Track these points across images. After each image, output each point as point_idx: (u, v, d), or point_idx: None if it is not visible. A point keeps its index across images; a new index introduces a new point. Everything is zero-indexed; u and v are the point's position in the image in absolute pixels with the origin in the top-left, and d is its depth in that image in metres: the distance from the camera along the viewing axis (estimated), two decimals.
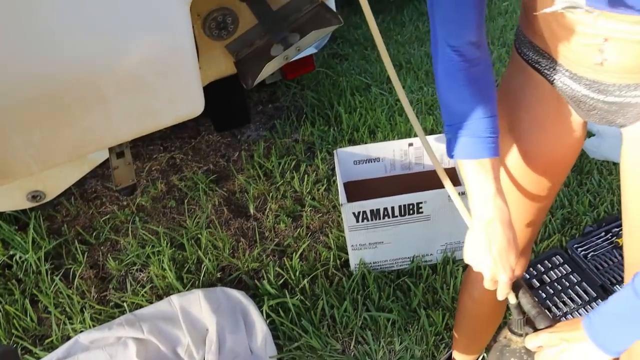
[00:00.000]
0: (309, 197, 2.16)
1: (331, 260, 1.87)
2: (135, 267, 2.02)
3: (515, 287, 0.94)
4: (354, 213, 1.65)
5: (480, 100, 0.85)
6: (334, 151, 1.87)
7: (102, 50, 1.21)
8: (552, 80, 0.90)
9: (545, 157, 0.95)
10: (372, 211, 1.65)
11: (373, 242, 1.73)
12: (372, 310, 1.72)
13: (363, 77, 2.87)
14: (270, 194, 2.20)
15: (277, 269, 1.87)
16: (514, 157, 0.98)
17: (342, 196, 1.71)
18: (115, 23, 1.20)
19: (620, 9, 0.67)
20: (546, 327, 0.90)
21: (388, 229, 1.70)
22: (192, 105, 1.37)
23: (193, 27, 1.68)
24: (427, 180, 1.86)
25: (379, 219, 1.67)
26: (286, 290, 1.78)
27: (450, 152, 0.88)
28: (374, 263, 1.80)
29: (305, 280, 1.80)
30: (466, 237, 0.91)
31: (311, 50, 2.39)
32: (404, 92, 0.87)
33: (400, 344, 1.63)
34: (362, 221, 1.67)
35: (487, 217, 0.86)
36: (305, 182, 2.21)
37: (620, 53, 0.75)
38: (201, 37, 1.74)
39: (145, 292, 1.90)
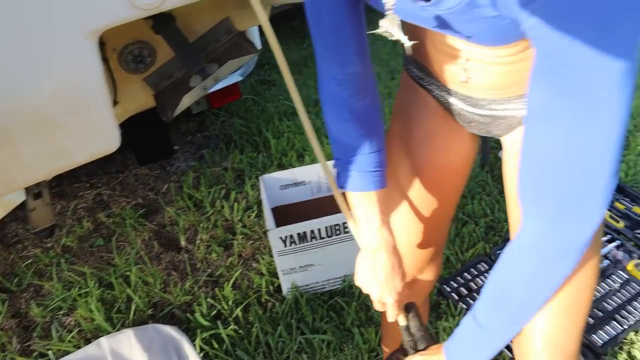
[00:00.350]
0: (240, 224, 2.15)
1: (263, 286, 1.87)
2: (61, 312, 1.94)
3: (408, 309, 0.99)
4: (281, 238, 1.66)
5: (366, 135, 0.88)
6: (260, 178, 1.89)
7: (6, 92, 1.18)
8: (435, 96, 0.95)
9: (439, 168, 1.00)
10: (299, 234, 1.67)
11: (303, 265, 1.75)
12: (306, 333, 1.72)
13: (290, 102, 2.92)
14: (201, 224, 2.18)
15: (209, 300, 1.85)
16: (410, 170, 1.02)
17: (268, 222, 1.72)
18: (19, 63, 1.17)
19: (448, 30, 0.69)
20: (423, 349, 0.95)
21: (317, 250, 1.73)
22: (107, 141, 1.35)
23: (109, 61, 1.67)
24: None
25: (307, 241, 1.69)
26: (219, 321, 1.76)
27: (339, 184, 0.92)
28: (305, 286, 1.81)
29: (239, 309, 1.79)
30: (356, 262, 0.96)
31: (236, 78, 2.41)
32: (307, 117, 0.89)
33: None
34: (290, 245, 1.69)
35: (373, 245, 0.91)
36: (235, 210, 2.20)
37: (481, 72, 0.81)
38: (118, 71, 1.72)
39: (72, 337, 1.82)
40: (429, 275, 1.16)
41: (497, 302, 0.76)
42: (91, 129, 1.30)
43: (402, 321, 0.99)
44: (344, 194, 0.95)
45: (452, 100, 0.92)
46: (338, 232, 1.70)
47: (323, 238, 1.70)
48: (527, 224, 0.69)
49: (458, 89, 0.88)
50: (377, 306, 0.95)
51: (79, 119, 1.28)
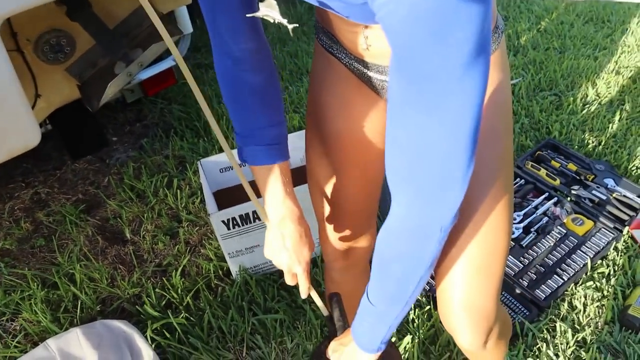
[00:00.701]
0: (185, 211, 2.12)
1: (212, 271, 1.85)
2: (4, 318, 1.87)
3: (332, 299, 1.01)
4: (223, 221, 1.64)
5: (265, 110, 0.89)
6: (198, 162, 1.85)
7: None
8: (345, 64, 0.96)
9: (358, 134, 1.00)
10: (241, 216, 1.65)
11: (249, 247, 1.74)
12: (259, 314, 1.72)
13: None
14: (145, 215, 2.13)
15: (158, 290, 1.82)
16: (331, 138, 1.02)
17: (210, 206, 1.69)
18: None
19: (329, 9, 0.71)
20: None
21: (261, 231, 1.72)
22: (26, 136, 1.29)
23: (23, 52, 1.59)
24: (294, 177, 1.89)
25: (250, 222, 1.68)
26: (169, 311, 1.74)
27: (240, 158, 0.92)
28: (254, 267, 1.80)
29: (189, 297, 1.77)
30: (265, 236, 0.97)
31: (170, 63, 2.34)
32: (207, 108, 0.87)
33: (291, 342, 1.65)
34: (234, 228, 1.67)
35: (280, 216, 0.92)
36: (179, 198, 2.16)
37: (380, 39, 0.81)
38: (35, 62, 1.64)
39: (17, 342, 1.76)
40: (364, 242, 1.17)
41: (379, 281, 0.80)
42: (6, 125, 1.23)
43: (325, 312, 1.02)
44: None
45: (359, 67, 0.92)
46: None
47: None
48: (393, 207, 0.71)
49: (363, 57, 0.89)
50: (288, 278, 0.96)
51: None
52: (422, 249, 0.71)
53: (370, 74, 0.92)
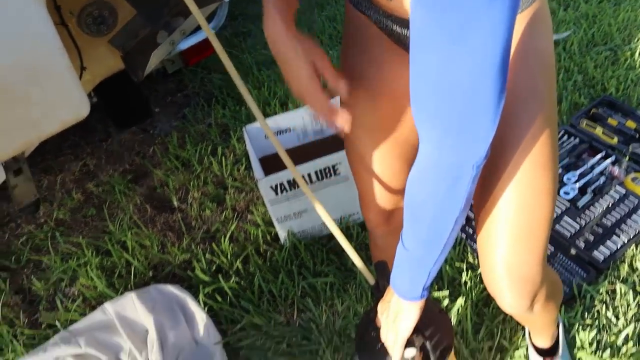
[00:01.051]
0: (230, 178, 2.13)
1: (260, 237, 1.87)
2: (63, 284, 1.94)
3: (378, 267, 1.00)
4: (271, 187, 1.64)
5: None
6: (244, 129, 1.85)
7: None
8: (375, 21, 0.91)
9: (395, 94, 0.96)
10: (289, 181, 1.65)
11: (297, 212, 1.74)
12: (308, 278, 1.73)
13: (267, 51, 2.82)
14: (191, 183, 2.16)
15: (207, 256, 1.85)
16: (364, 101, 0.98)
17: (257, 172, 1.69)
18: None
19: None
20: None
21: None
22: (76, 108, 1.30)
23: (68, 25, 1.60)
24: (341, 141, 1.87)
25: (298, 187, 1.67)
26: (220, 275, 1.76)
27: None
28: (302, 232, 1.80)
29: (238, 261, 1.79)
30: (288, 78, 0.87)
31: None
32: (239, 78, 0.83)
33: (342, 305, 1.66)
34: (282, 193, 1.67)
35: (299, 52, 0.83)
36: (224, 165, 2.17)
37: None
38: (80, 35, 1.65)
39: (77, 306, 1.83)
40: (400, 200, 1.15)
41: (412, 225, 0.78)
42: (56, 98, 1.24)
43: (371, 280, 1.00)
44: None
45: (386, 22, 0.88)
46: (329, 174, 1.67)
47: (314, 182, 1.68)
48: (422, 146, 0.69)
49: (389, 10, 0.85)
50: (322, 113, 0.86)
51: (41, 89, 1.23)
52: (455, 188, 0.69)
53: (399, 29, 0.87)
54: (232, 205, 2.03)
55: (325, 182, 1.70)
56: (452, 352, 1.05)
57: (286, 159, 0.98)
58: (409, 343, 0.93)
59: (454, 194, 0.70)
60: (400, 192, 1.10)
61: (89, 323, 1.74)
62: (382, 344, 0.99)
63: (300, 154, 1.92)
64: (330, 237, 1.84)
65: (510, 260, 0.89)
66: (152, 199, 2.18)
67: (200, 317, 1.69)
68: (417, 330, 0.92)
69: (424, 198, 0.73)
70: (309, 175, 1.66)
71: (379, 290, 0.99)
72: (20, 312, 1.86)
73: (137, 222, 2.06)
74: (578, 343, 1.47)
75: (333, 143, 1.94)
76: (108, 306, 1.75)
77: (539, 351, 1.35)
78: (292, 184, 1.66)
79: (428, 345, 0.93)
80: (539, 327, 1.22)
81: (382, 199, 1.10)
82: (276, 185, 1.64)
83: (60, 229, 2.13)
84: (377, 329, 0.98)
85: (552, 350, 1.35)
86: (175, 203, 2.12)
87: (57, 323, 1.78)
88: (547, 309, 1.05)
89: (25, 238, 2.11)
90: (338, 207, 1.79)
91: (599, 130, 2.01)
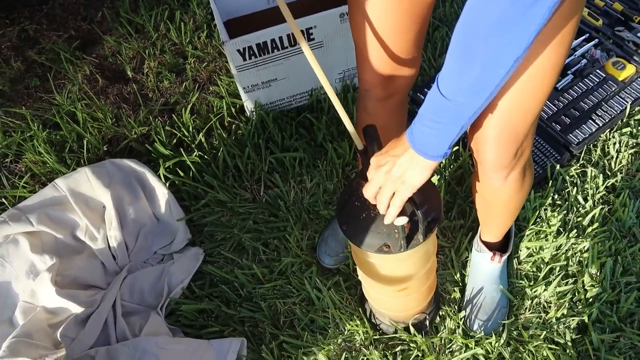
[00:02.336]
0: (190, 47, 1.94)
1: (225, 109, 1.72)
2: (8, 160, 1.78)
3: (367, 131, 0.91)
4: (239, 50, 1.47)
5: None
6: None
7: None
8: None
9: None
10: (258, 45, 1.48)
11: (266, 81, 1.59)
12: (276, 153, 1.63)
13: None
14: (147, 51, 1.95)
15: (167, 128, 1.71)
16: None
17: (222, 34, 1.51)
18: None
19: None
20: None
21: (279, 63, 1.56)
22: None
23: None
24: (315, 5, 1.68)
25: (268, 53, 1.51)
26: (182, 149, 1.64)
27: None
28: (270, 104, 1.67)
29: (201, 135, 1.66)
30: None
31: None
32: None
33: (311, 182, 1.58)
34: (250, 58, 1.51)
35: None
36: (183, 32, 1.97)
37: None
38: None
39: (25, 183, 1.69)
40: (407, 71, 1.03)
41: (462, 64, 0.66)
42: None
43: (359, 144, 0.91)
44: None
45: None
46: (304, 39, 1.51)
47: (286, 48, 1.52)
48: None
49: None
50: None
51: None
52: (529, 14, 0.56)
53: None
54: (192, 76, 1.86)
55: (296, 48, 1.54)
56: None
57: (285, 10, 0.82)
58: (402, 212, 0.86)
59: (526, 22, 0.57)
60: (403, 54, 0.98)
61: (39, 200, 1.61)
62: (367, 214, 0.92)
63: (270, 17, 1.73)
64: (300, 110, 1.72)
65: (504, 107, 0.85)
66: (103, 68, 1.97)
67: (161, 192, 1.59)
68: (410, 198, 0.84)
69: (488, 26, 0.60)
70: (280, 38, 1.49)
71: (367, 157, 0.89)
72: None
73: (87, 93, 1.87)
74: (546, 223, 1.45)
75: (306, 7, 1.75)
76: (60, 182, 1.62)
77: (489, 246, 1.33)
78: (262, 48, 1.49)
79: (419, 213, 0.86)
80: (501, 212, 1.18)
81: (382, 59, 0.98)
82: (244, 49, 1.47)
83: (0, 100, 1.93)
84: (362, 199, 0.90)
85: (502, 247, 1.34)
86: (130, 73, 1.92)
87: (4, 200, 1.65)
88: (519, 184, 1.02)
89: None
90: (309, 78, 1.65)
91: (584, 11, 1.89)
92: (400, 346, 1.32)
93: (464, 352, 1.29)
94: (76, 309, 1.43)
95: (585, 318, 1.31)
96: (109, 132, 1.77)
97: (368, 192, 0.86)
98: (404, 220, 0.87)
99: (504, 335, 1.28)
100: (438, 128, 0.73)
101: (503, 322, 1.33)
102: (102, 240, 1.55)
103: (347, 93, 1.71)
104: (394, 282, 1.11)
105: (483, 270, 1.35)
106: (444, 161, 1.55)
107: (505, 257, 1.33)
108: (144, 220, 1.58)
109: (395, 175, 0.81)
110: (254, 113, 1.67)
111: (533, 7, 0.56)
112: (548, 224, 1.45)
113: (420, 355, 1.30)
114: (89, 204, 1.59)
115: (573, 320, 1.32)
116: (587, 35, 1.83)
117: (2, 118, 1.85)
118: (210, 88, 1.82)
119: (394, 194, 0.83)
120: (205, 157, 1.63)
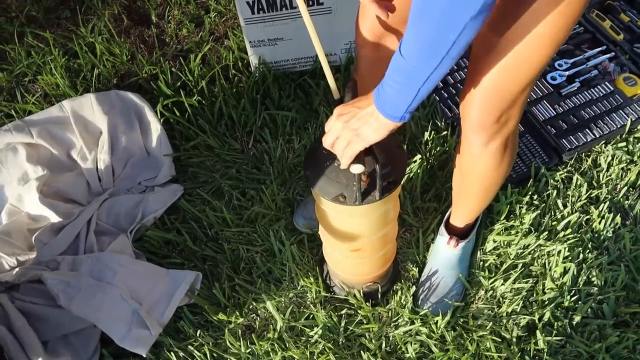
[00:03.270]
0: (214, 1, 2.00)
1: (232, 62, 1.78)
2: (26, 79, 1.88)
3: (346, 83, 0.92)
4: (248, 2, 1.53)
5: None
6: None
7: None
8: None
9: None
10: (267, 1, 1.53)
11: (272, 39, 1.64)
12: (271, 109, 1.67)
13: None
14: (173, 0, 2.03)
15: (174, 70, 1.78)
16: None
17: None
18: None
19: None
20: None
21: (287, 22, 1.60)
22: None
23: None
24: None
25: (276, 10, 1.56)
26: (183, 92, 1.70)
27: None
28: (275, 62, 1.72)
29: (204, 81, 1.72)
30: None
31: None
32: None
33: (299, 142, 1.62)
34: (258, 13, 1.56)
35: None
36: None
37: None
38: None
39: (36, 100, 1.78)
40: (400, 35, 1.06)
41: (416, 23, 0.67)
42: None
43: (336, 94, 0.93)
44: None
45: None
46: (311, 2, 1.56)
47: (294, 8, 1.57)
48: None
49: None
50: None
51: None
52: None
53: None
54: (210, 28, 1.93)
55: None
56: (398, 190, 1.02)
57: None
58: (359, 161, 0.87)
59: None
60: (397, 18, 1.00)
61: (44, 117, 1.70)
62: (330, 163, 0.95)
63: None
64: (301, 74, 1.77)
65: (495, 70, 0.86)
66: (130, 10, 2.06)
67: (155, 127, 1.65)
68: (371, 153, 0.87)
69: None
70: None
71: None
72: None
73: (111, 30, 1.95)
74: (519, 221, 1.45)
75: None
76: (66, 103, 1.70)
77: (451, 230, 1.34)
78: (271, 4, 1.54)
79: (378, 169, 0.88)
80: (475, 189, 1.18)
81: (377, 20, 1.01)
82: (253, 2, 1.53)
83: (32, 26, 2.03)
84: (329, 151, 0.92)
85: (463, 234, 1.34)
86: (154, 18, 2.01)
87: (13, 112, 1.75)
88: (500, 154, 1.02)
89: None
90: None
91: (606, 24, 1.87)
92: (347, 309, 1.34)
93: (408, 326, 1.30)
94: (54, 217, 1.51)
95: (536, 318, 1.31)
96: (122, 67, 1.85)
97: (326, 140, 0.88)
98: (360, 168, 0.87)
99: (449, 317, 1.29)
100: (396, 88, 0.75)
101: (453, 304, 1.33)
102: (92, 161, 1.62)
103: (350, 66, 1.74)
104: (348, 239, 1.13)
105: (440, 253, 1.36)
106: (430, 144, 1.57)
107: (462, 243, 1.33)
108: (134, 150, 1.65)
109: (352, 127, 0.83)
110: (258, 69, 1.72)
111: None
112: (521, 221, 1.45)
113: (365, 322, 1.32)
114: (88, 127, 1.68)
115: (524, 318, 1.32)
116: (605, 47, 1.81)
117: (28, 40, 1.96)
118: (225, 42, 1.89)
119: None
120: (204, 102, 1.69)
